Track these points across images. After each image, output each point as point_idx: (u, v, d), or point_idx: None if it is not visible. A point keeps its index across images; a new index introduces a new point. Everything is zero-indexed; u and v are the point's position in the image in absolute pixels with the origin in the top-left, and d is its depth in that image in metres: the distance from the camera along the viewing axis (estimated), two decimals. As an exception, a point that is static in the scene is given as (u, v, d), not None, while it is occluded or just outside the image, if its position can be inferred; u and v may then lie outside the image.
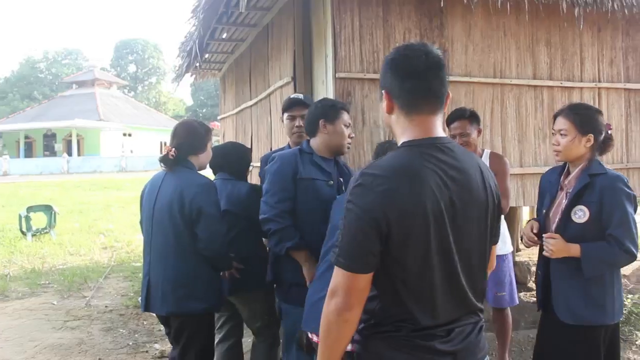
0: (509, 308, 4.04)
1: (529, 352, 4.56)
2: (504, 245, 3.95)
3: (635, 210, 2.69)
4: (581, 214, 2.68)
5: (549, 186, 2.96)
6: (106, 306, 6.01)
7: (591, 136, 2.75)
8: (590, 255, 2.62)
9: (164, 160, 3.11)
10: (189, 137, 3.13)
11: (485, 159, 3.85)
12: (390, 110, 1.65)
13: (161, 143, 40.08)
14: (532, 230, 2.89)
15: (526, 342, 4.77)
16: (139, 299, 6.14)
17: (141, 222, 3.25)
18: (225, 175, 3.59)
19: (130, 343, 4.87)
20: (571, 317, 2.69)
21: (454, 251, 1.55)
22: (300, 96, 3.62)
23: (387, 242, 1.48)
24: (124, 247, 9.71)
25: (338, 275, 1.50)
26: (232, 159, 3.67)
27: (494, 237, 1.74)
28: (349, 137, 3.06)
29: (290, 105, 3.55)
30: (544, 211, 2.89)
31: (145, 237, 3.18)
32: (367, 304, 1.55)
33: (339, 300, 1.49)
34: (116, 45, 59.88)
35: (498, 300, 3.96)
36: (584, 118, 2.75)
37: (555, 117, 2.87)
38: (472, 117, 3.80)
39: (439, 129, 1.62)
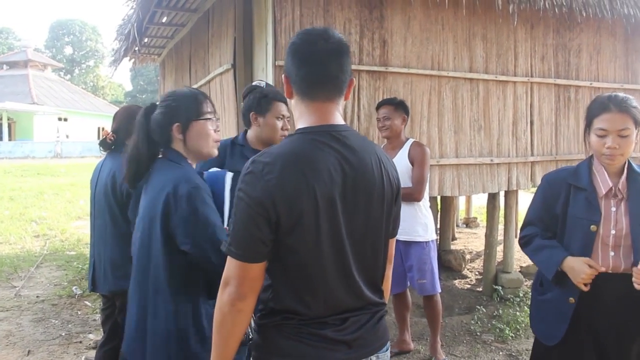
0: (438, 295, 4.13)
1: (462, 336, 4.73)
2: (425, 232, 3.99)
3: None
4: None
5: (577, 196, 2.35)
6: (37, 296, 5.80)
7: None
8: None
9: (102, 144, 3.22)
10: (127, 122, 3.12)
11: (407, 147, 3.96)
12: (289, 95, 1.63)
13: (99, 128, 38.83)
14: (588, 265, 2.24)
15: (459, 327, 4.93)
16: (74, 288, 5.99)
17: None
18: None
19: (63, 334, 4.73)
20: None
21: (345, 240, 1.52)
22: (261, 84, 3.17)
23: (277, 231, 1.46)
24: (58, 235, 9.38)
25: (230, 265, 1.49)
26: None
27: (393, 229, 1.71)
28: (282, 129, 2.94)
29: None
30: (592, 228, 2.27)
31: (90, 219, 3.33)
32: (261, 293, 1.55)
33: (232, 290, 1.47)
34: (51, 25, 57.42)
35: (421, 287, 4.02)
36: (637, 111, 2.31)
37: (596, 112, 2.33)
38: (399, 105, 3.97)
39: (337, 116, 1.59)
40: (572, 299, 2.35)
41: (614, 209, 2.28)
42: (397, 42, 4.78)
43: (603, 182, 2.32)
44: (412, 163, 3.89)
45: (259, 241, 1.45)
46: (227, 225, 2.13)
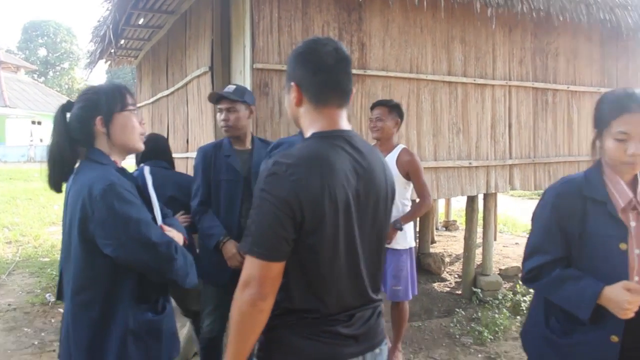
0: (406, 302, 4.12)
1: (441, 339, 4.72)
2: (404, 240, 3.99)
3: None
4: None
5: (596, 210, 1.97)
6: (9, 304, 5.66)
7: None
8: None
9: None
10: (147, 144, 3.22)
11: (396, 153, 3.94)
12: (299, 103, 1.67)
13: (74, 132, 38.24)
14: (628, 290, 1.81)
15: (438, 330, 4.93)
16: (47, 295, 5.85)
17: None
18: (164, 164, 3.66)
19: (36, 342, 4.61)
20: None
21: (357, 241, 1.58)
22: (231, 88, 3.35)
23: (300, 230, 1.49)
24: (31, 241, 9.18)
25: (252, 265, 1.49)
26: (165, 148, 3.80)
27: (387, 232, 1.78)
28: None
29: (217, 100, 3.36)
30: (622, 246, 1.91)
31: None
32: None
33: (254, 290, 1.48)
34: (24, 26, 56.39)
35: (393, 293, 4.01)
36: None
37: (614, 114, 1.94)
38: (393, 107, 3.95)
39: (345, 122, 1.66)
40: (614, 337, 1.89)
41: (633, 223, 1.93)
42: (375, 44, 4.76)
43: (621, 193, 1.95)
44: (401, 171, 3.87)
45: (283, 240, 1.48)
46: (163, 222, 2.09)
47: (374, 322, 1.68)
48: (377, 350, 1.68)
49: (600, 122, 2.00)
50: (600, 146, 2.01)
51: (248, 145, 3.34)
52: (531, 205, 14.19)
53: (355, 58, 4.64)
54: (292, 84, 1.67)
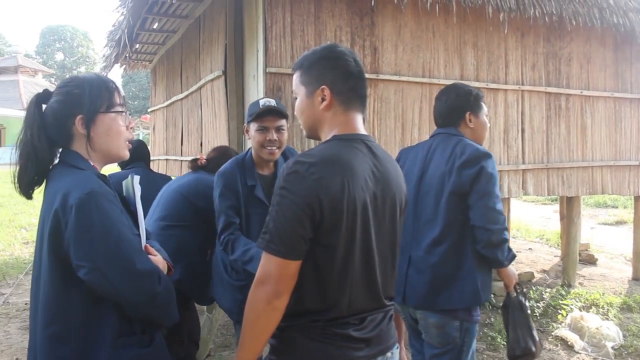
0: None
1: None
2: None
3: None
4: None
5: None
6: (26, 303, 5.73)
7: None
8: None
9: (192, 162, 3.41)
10: (220, 157, 3.31)
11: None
12: (328, 107, 1.66)
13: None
14: None
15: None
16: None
17: None
18: (141, 164, 3.79)
19: (50, 342, 4.67)
20: None
21: (374, 245, 1.58)
22: (272, 102, 2.81)
23: (317, 230, 1.49)
24: (47, 242, 9.28)
25: (269, 262, 1.49)
26: (146, 153, 3.89)
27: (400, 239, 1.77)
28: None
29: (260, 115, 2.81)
30: None
31: None
32: None
33: (270, 288, 1.48)
34: (42, 31, 57.14)
35: None
36: None
37: None
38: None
39: (363, 127, 1.69)
40: None
41: None
42: (388, 49, 4.78)
43: None
44: None
45: (301, 238, 1.48)
46: (147, 238, 1.81)
47: (385, 326, 1.67)
48: (388, 354, 1.67)
49: None
50: None
51: (272, 167, 2.95)
52: (544, 210, 14.06)
53: (367, 62, 4.66)
54: (324, 87, 1.65)
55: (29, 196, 1.73)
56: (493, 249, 2.45)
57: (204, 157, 3.40)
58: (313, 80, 1.68)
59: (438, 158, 2.61)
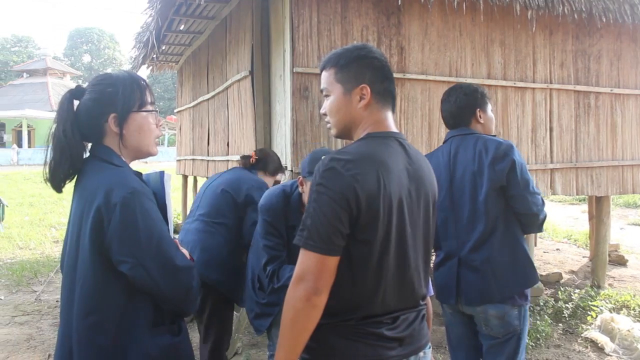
0: (428, 297, 4.06)
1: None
2: None
3: None
4: None
5: None
6: (57, 301, 5.83)
7: None
8: None
9: (244, 158, 3.64)
10: (270, 159, 3.65)
11: None
12: (367, 105, 1.67)
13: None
14: None
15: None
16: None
17: None
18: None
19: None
20: None
21: (409, 242, 1.59)
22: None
23: (354, 225, 1.49)
24: (76, 241, 9.44)
25: (307, 259, 1.48)
26: None
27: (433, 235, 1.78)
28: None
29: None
30: None
31: None
32: None
33: (309, 284, 1.46)
34: (70, 33, 58.24)
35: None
36: None
37: None
38: None
39: (394, 125, 1.71)
40: None
41: None
42: (414, 48, 4.76)
43: None
44: None
45: (339, 233, 1.48)
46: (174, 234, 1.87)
47: (418, 325, 1.66)
48: (421, 354, 1.66)
49: None
50: None
51: None
52: (572, 210, 13.83)
53: (394, 62, 4.65)
54: (364, 85, 1.66)
55: (59, 190, 1.75)
56: (540, 226, 2.68)
57: (255, 156, 3.60)
58: (352, 79, 1.67)
59: (462, 160, 2.69)
